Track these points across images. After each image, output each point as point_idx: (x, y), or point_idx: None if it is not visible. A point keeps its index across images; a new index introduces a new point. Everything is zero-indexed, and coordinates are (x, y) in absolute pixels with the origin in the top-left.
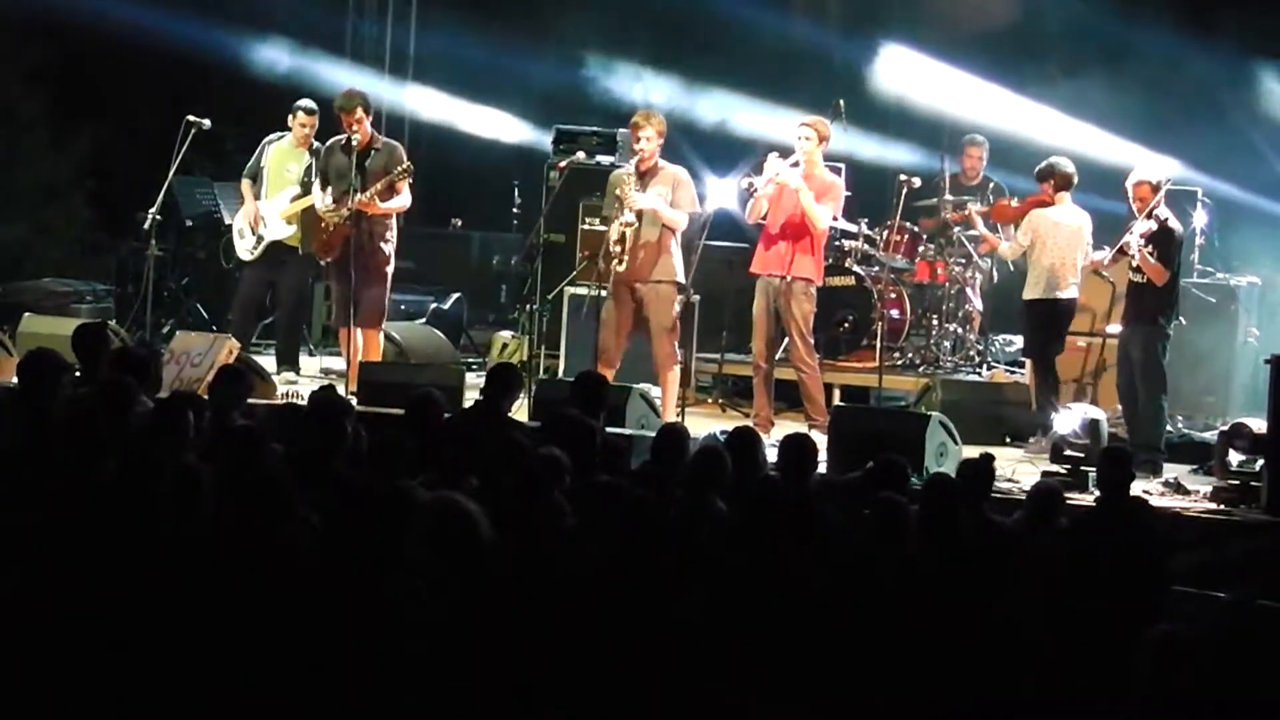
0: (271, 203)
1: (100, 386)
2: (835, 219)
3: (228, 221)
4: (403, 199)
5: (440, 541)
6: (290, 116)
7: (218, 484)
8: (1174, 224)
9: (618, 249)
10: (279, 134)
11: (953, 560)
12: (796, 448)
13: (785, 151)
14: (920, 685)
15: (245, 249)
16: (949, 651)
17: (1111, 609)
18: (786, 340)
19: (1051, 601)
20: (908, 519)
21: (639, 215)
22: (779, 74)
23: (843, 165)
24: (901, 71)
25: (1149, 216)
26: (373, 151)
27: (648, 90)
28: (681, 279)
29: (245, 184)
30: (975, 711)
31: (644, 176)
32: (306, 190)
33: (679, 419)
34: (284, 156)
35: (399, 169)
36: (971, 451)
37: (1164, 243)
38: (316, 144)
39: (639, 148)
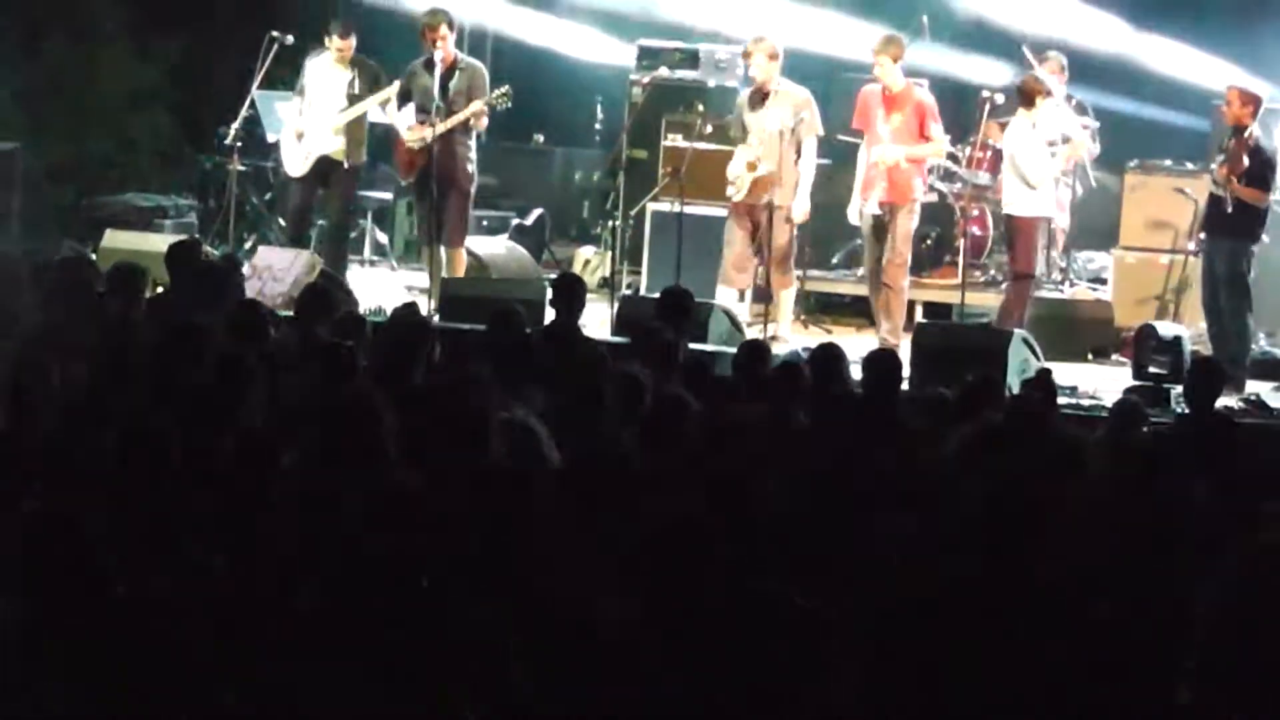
0: (317, 116)
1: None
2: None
3: (270, 139)
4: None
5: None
6: (326, 38)
7: (309, 400)
8: (1265, 143)
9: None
10: (320, 49)
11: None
12: (882, 363)
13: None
14: (1007, 592)
15: (295, 164)
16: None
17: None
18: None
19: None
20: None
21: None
22: None
23: (925, 81)
24: None
25: (1241, 145)
26: (456, 72)
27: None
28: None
29: (295, 100)
30: (1060, 619)
31: (764, 99)
32: (351, 103)
33: (764, 336)
34: (326, 71)
35: (499, 94)
36: (1053, 368)
37: (1259, 166)
38: (359, 56)
39: (752, 74)
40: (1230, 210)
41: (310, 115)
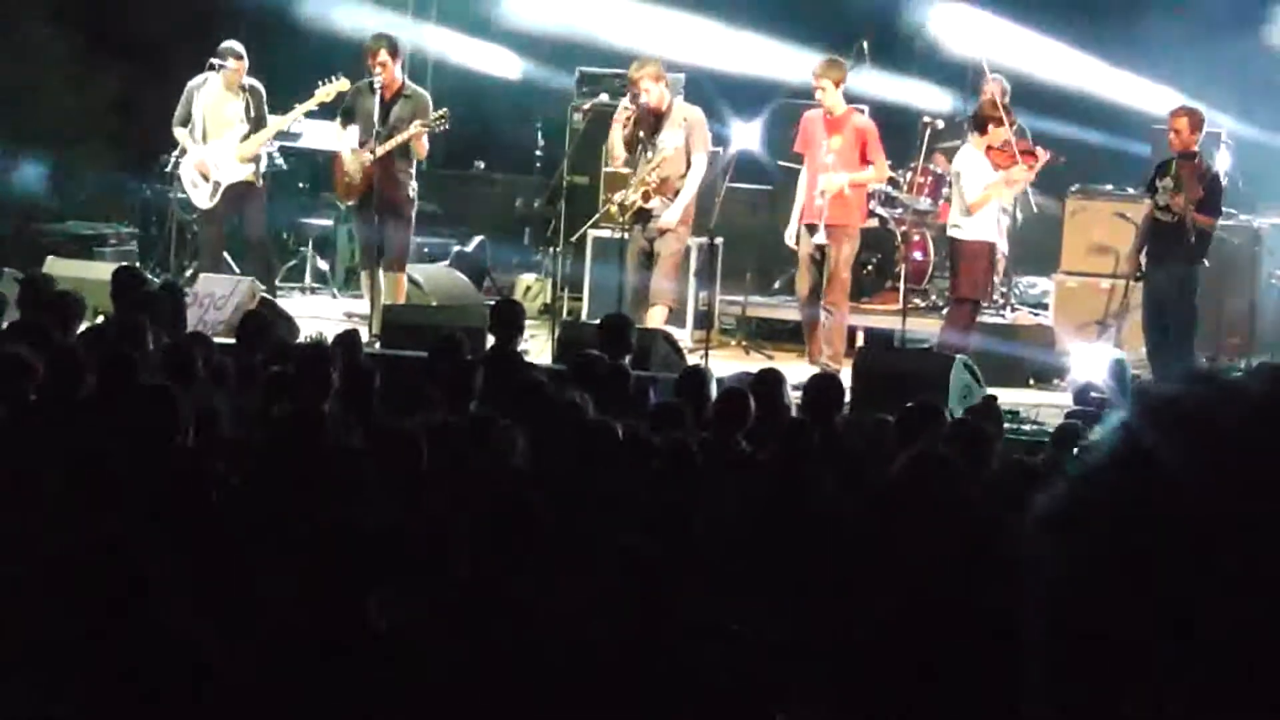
0: (219, 145)
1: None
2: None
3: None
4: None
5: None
6: (219, 60)
7: (250, 427)
8: (1214, 168)
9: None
10: (202, 77)
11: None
12: (822, 388)
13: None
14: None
15: (203, 197)
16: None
17: None
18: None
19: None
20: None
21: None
22: (802, 14)
23: (865, 107)
24: (925, 10)
25: (1193, 172)
26: (400, 99)
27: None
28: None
29: (180, 132)
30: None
31: (657, 120)
32: (255, 129)
33: (703, 361)
34: (219, 99)
35: (436, 116)
36: (995, 393)
37: (1214, 194)
38: (250, 81)
39: (643, 100)
40: (1194, 240)
41: (211, 146)
